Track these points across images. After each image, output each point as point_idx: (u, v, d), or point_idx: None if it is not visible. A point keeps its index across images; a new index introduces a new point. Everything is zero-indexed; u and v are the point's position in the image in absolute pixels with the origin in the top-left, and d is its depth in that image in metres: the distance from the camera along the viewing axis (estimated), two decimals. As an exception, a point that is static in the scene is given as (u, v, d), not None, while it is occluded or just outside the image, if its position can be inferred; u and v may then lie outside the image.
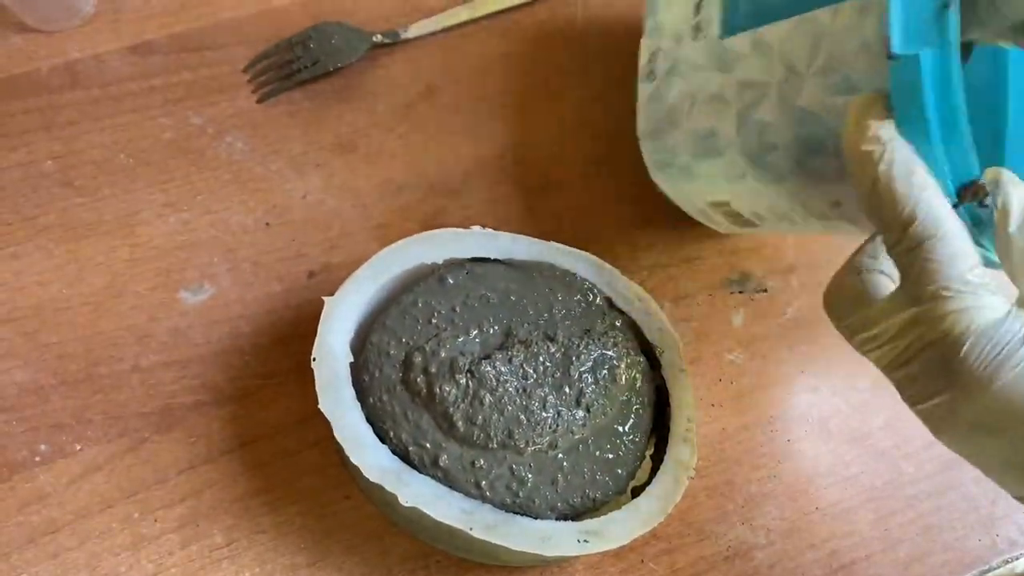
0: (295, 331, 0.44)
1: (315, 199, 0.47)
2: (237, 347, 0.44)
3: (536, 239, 0.42)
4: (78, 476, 0.42)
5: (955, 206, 0.29)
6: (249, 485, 0.42)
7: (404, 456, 0.37)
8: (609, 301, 0.41)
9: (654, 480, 0.39)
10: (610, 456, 0.38)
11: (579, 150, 0.50)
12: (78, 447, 0.42)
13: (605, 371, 0.38)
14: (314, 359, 0.38)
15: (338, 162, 0.48)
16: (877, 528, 0.43)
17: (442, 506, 0.36)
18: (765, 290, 0.48)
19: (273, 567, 0.41)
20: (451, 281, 0.40)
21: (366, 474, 0.36)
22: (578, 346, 0.39)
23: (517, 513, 0.37)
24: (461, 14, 0.51)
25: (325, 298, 0.39)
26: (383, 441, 0.38)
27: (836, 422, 0.46)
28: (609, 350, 0.39)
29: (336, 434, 0.36)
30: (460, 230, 0.41)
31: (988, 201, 0.30)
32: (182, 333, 0.44)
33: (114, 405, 0.43)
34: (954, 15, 0.28)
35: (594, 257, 0.42)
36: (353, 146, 0.48)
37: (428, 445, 0.37)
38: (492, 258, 0.42)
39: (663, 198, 0.45)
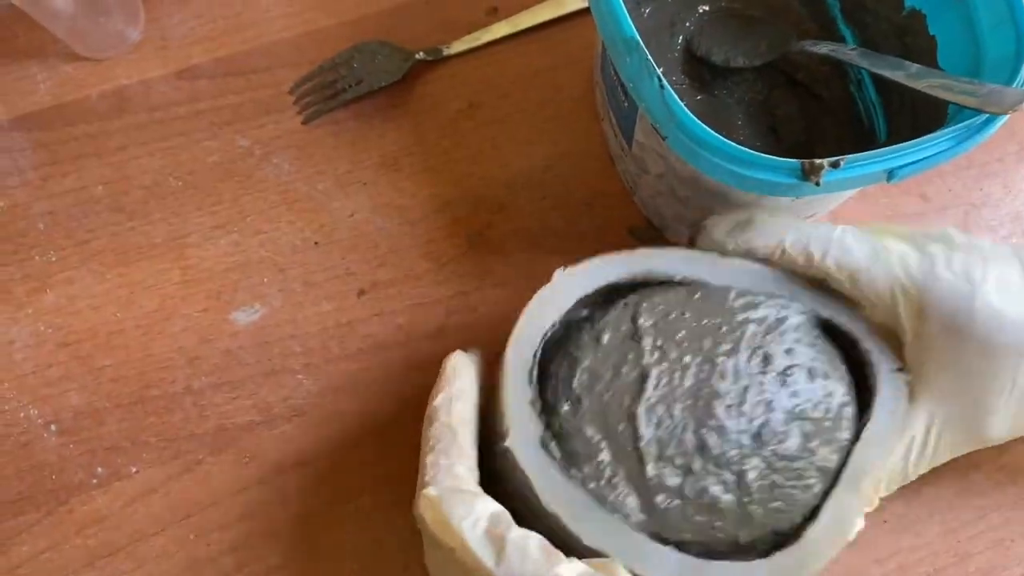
0: (345, 350, 0.44)
1: (362, 217, 0.47)
2: (289, 367, 0.44)
3: (622, 254, 0.38)
4: (134, 498, 0.42)
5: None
6: (304, 505, 0.42)
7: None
8: (727, 288, 0.37)
9: (877, 398, 0.36)
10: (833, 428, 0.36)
11: (625, 161, 0.50)
12: (133, 469, 0.42)
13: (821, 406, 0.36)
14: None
15: (384, 180, 0.48)
16: (946, 541, 0.42)
17: None
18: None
19: (328, 588, 0.41)
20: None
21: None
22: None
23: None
24: (502, 29, 0.51)
25: (507, 443, 0.34)
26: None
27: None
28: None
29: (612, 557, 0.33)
30: (547, 287, 0.37)
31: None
32: (234, 354, 0.44)
33: (168, 427, 0.43)
34: None
35: (685, 249, 0.39)
36: (398, 164, 0.48)
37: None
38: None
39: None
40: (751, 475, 0.34)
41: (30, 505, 0.41)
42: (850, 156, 0.33)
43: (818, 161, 0.33)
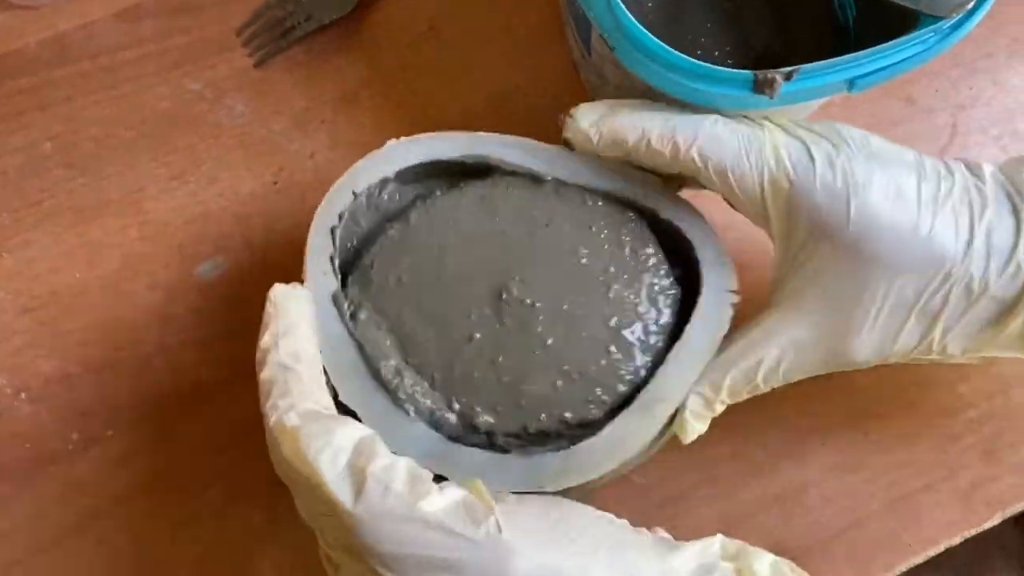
0: (315, 298, 0.43)
1: (323, 158, 0.45)
2: (258, 320, 0.43)
3: (459, 133, 0.39)
4: (113, 462, 0.41)
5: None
6: (284, 459, 0.41)
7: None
8: (559, 181, 0.38)
9: (694, 316, 0.36)
10: (645, 319, 0.36)
11: (596, 80, 0.47)
12: (109, 433, 0.42)
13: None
14: (320, 351, 0.34)
15: (343, 117, 0.46)
16: (936, 455, 0.41)
17: (503, 475, 0.33)
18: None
19: (315, 543, 0.41)
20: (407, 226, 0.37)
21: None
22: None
23: (578, 426, 0.35)
24: (459, -55, 0.48)
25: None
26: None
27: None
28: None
29: (365, 424, 0.33)
30: (375, 152, 0.38)
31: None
32: (201, 311, 0.43)
33: (141, 388, 0.42)
34: None
35: (526, 139, 0.40)
36: (358, 99, 0.46)
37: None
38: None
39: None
40: (532, 380, 0.35)
41: (7, 476, 0.41)
42: (805, 66, 0.31)
43: (771, 73, 0.31)
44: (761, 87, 0.31)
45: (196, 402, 0.42)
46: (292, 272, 0.43)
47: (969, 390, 0.42)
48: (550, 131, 0.45)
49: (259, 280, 0.43)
